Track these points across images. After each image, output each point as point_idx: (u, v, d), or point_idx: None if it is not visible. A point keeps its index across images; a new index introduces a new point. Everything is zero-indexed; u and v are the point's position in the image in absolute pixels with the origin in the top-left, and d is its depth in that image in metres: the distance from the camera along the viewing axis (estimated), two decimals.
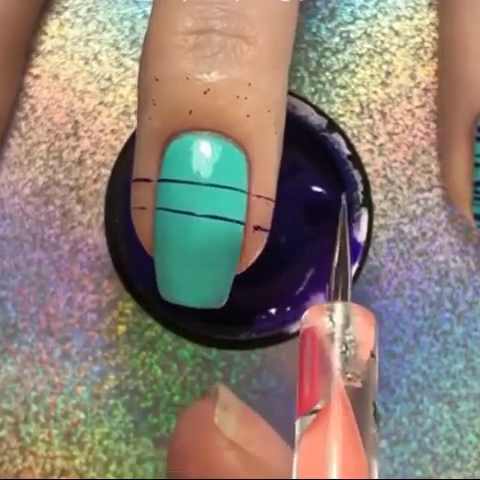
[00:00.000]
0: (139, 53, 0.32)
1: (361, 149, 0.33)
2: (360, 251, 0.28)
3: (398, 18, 0.33)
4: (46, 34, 0.33)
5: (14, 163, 0.33)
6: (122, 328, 0.33)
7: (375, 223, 0.32)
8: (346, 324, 0.21)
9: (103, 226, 0.29)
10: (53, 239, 0.33)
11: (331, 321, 0.22)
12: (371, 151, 0.33)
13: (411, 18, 0.33)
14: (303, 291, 0.28)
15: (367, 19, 0.33)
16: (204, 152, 0.23)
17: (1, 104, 0.32)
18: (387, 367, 0.33)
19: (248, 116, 0.23)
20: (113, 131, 0.33)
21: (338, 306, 0.22)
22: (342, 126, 0.31)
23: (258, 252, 0.24)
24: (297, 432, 0.21)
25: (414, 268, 0.33)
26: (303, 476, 0.20)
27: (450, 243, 0.33)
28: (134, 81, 0.33)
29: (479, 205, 0.31)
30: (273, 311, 0.28)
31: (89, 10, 0.33)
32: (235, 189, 0.23)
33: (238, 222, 0.23)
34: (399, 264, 0.33)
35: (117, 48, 0.33)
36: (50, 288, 0.33)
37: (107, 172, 0.32)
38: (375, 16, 0.33)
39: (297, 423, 0.21)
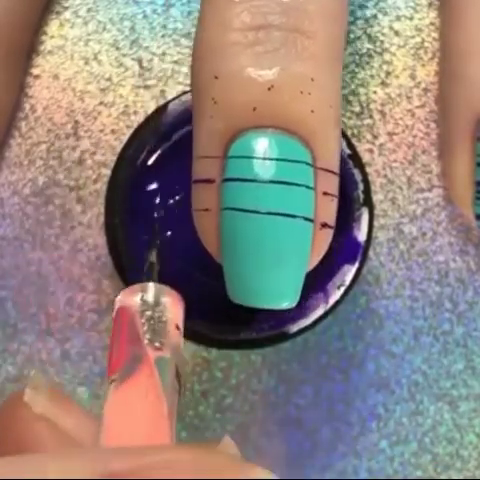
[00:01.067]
0: (139, 53, 0.33)
1: (361, 149, 0.33)
2: (360, 251, 0.28)
3: (398, 18, 0.33)
4: (46, 34, 0.33)
5: (14, 163, 0.33)
6: None
7: (375, 223, 0.32)
8: (156, 303, 0.23)
9: (103, 226, 0.29)
10: (53, 239, 0.33)
11: (142, 299, 0.23)
12: (371, 151, 0.33)
13: (411, 18, 0.33)
14: (303, 291, 0.28)
15: (367, 19, 0.33)
16: (270, 149, 0.22)
17: (3, 104, 0.32)
18: (387, 367, 0.33)
19: (312, 112, 0.22)
20: (113, 131, 0.33)
21: (150, 286, 0.24)
22: (342, 126, 0.31)
23: (325, 250, 0.24)
24: (105, 394, 0.22)
25: (414, 268, 0.33)
26: (107, 433, 0.21)
27: (450, 243, 0.33)
28: (134, 81, 0.33)
29: None
30: (273, 311, 0.28)
31: (89, 10, 0.33)
32: (302, 186, 0.23)
33: (307, 219, 0.23)
34: (399, 264, 0.33)
35: (117, 48, 0.33)
36: (50, 288, 0.33)
37: (107, 172, 0.32)
38: (375, 16, 0.33)
39: (106, 386, 0.23)
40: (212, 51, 0.23)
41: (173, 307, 0.24)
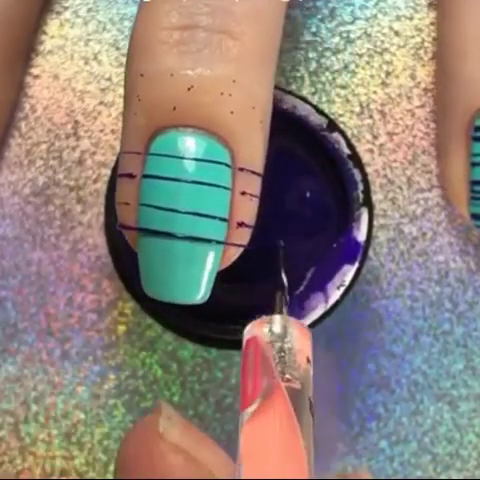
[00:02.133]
0: None
1: (361, 149, 0.33)
2: (360, 251, 0.28)
3: (398, 18, 0.33)
4: (46, 34, 0.33)
5: (14, 163, 0.33)
6: (122, 328, 0.33)
7: (375, 223, 0.32)
8: (284, 334, 0.23)
9: (103, 226, 0.29)
10: (53, 239, 0.33)
11: (270, 331, 0.23)
12: (371, 151, 0.33)
13: (411, 18, 0.33)
14: (303, 290, 0.28)
15: (367, 19, 0.33)
16: (188, 149, 0.23)
17: (1, 104, 0.32)
18: (387, 367, 0.33)
19: (232, 113, 0.23)
20: (113, 131, 0.33)
21: (276, 318, 0.24)
22: (342, 126, 0.31)
23: (241, 248, 0.24)
24: (240, 426, 0.22)
25: (414, 268, 0.33)
26: (246, 464, 0.21)
27: (450, 243, 0.33)
28: None
29: (476, 205, 0.31)
30: (273, 311, 0.28)
31: (89, 10, 0.33)
32: (219, 186, 0.23)
33: (221, 219, 0.23)
34: (399, 264, 0.33)
35: (117, 48, 0.33)
36: (50, 288, 0.33)
37: (107, 172, 0.32)
38: (375, 16, 0.33)
39: (240, 418, 0.22)
40: (140, 49, 0.23)
41: (301, 338, 0.24)
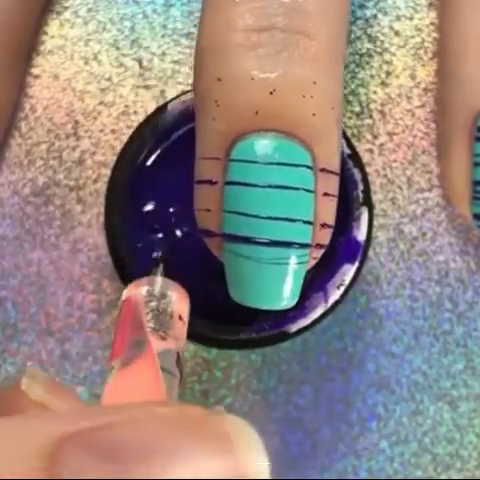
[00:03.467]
0: (139, 53, 0.33)
1: (361, 149, 0.33)
2: (360, 250, 0.28)
3: (398, 18, 0.33)
4: (46, 34, 0.33)
5: (14, 163, 0.33)
6: None
7: (375, 223, 0.32)
8: (162, 295, 0.24)
9: (103, 226, 0.29)
10: (53, 239, 0.33)
11: (147, 291, 0.24)
12: (371, 151, 0.33)
13: (411, 18, 0.33)
14: (303, 290, 0.28)
15: (367, 19, 0.33)
16: (271, 154, 0.22)
17: (3, 104, 0.32)
18: (387, 367, 0.33)
19: (314, 115, 0.23)
20: (113, 131, 0.33)
21: (157, 280, 0.24)
22: (342, 126, 0.31)
23: (323, 249, 0.24)
24: (106, 379, 0.23)
25: (414, 268, 0.33)
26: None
27: (450, 243, 0.33)
28: (134, 81, 0.33)
29: (478, 205, 0.31)
30: (273, 310, 0.28)
31: (89, 10, 0.33)
32: (302, 189, 0.23)
33: (306, 222, 0.23)
34: (399, 264, 0.33)
35: (117, 48, 0.33)
36: (50, 288, 0.33)
37: (107, 172, 0.32)
38: (375, 16, 0.33)
39: (107, 372, 0.23)
40: (214, 52, 0.23)
41: (178, 300, 0.24)
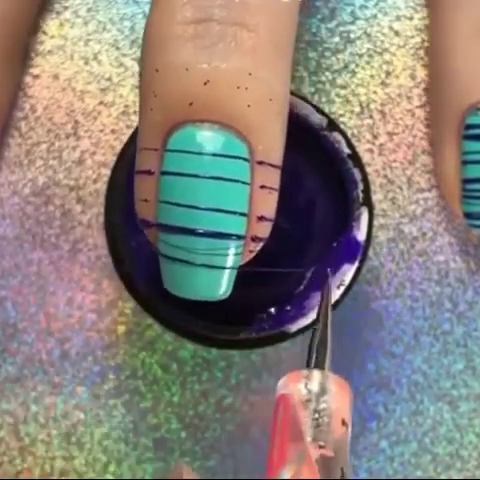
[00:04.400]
0: (139, 53, 0.33)
1: (361, 149, 0.33)
2: (360, 250, 0.28)
3: (398, 18, 0.33)
4: (46, 34, 0.33)
5: (14, 163, 0.33)
6: (122, 328, 0.33)
7: (375, 223, 0.32)
8: (321, 392, 0.22)
9: (103, 226, 0.29)
10: (53, 239, 0.33)
11: (306, 388, 0.22)
12: (371, 151, 0.33)
13: (411, 18, 0.33)
14: (303, 290, 0.28)
15: (367, 19, 0.33)
16: (205, 144, 0.23)
17: (4, 97, 0.32)
18: (387, 367, 0.33)
19: (249, 106, 0.23)
20: (113, 131, 0.33)
21: (315, 374, 0.22)
22: (342, 126, 0.31)
23: (262, 242, 0.24)
24: None
25: (414, 268, 0.33)
26: None
27: (450, 243, 0.33)
28: (134, 81, 0.33)
29: (468, 203, 0.31)
30: (273, 310, 0.28)
31: (89, 10, 0.33)
32: (238, 181, 0.23)
33: (241, 214, 0.23)
34: (399, 264, 0.33)
35: (117, 48, 0.33)
36: (50, 288, 0.33)
37: (107, 172, 0.32)
38: (375, 16, 0.33)
39: None
40: (155, 44, 0.23)
41: (339, 397, 0.22)
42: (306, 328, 0.28)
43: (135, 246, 0.28)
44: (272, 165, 0.23)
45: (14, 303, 0.33)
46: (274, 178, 0.24)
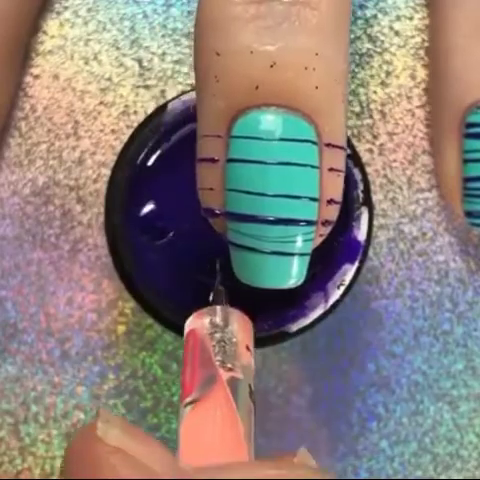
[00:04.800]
0: (139, 53, 0.33)
1: (361, 149, 0.33)
2: (360, 250, 0.28)
3: (398, 18, 0.33)
4: (46, 34, 0.33)
5: (14, 163, 0.33)
6: (122, 328, 0.33)
7: (375, 223, 0.32)
8: (225, 324, 0.24)
9: (103, 226, 0.29)
10: (53, 239, 0.33)
11: (211, 322, 0.24)
12: (371, 151, 0.33)
13: (411, 18, 0.33)
14: (303, 290, 0.28)
15: (367, 19, 0.33)
16: (273, 129, 0.22)
17: (4, 97, 0.32)
18: (387, 367, 0.33)
19: (317, 88, 0.22)
20: (113, 131, 0.33)
21: (217, 309, 0.24)
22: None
23: (331, 226, 0.24)
24: (180, 417, 0.22)
25: (414, 268, 0.33)
26: (185, 455, 0.21)
27: (450, 243, 0.33)
28: (134, 81, 0.33)
29: (469, 202, 0.31)
30: (273, 310, 0.28)
31: (89, 10, 0.33)
32: (307, 165, 0.22)
33: (312, 199, 0.22)
34: (399, 264, 0.33)
35: (117, 48, 0.33)
36: (50, 288, 0.33)
37: (107, 172, 0.32)
38: (375, 16, 0.33)
39: (180, 411, 0.22)
40: (213, 27, 0.22)
41: (242, 328, 0.24)
42: (306, 328, 0.28)
43: (135, 246, 0.28)
44: (339, 147, 0.23)
45: (14, 303, 0.33)
46: (341, 160, 0.23)
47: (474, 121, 0.30)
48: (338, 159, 0.23)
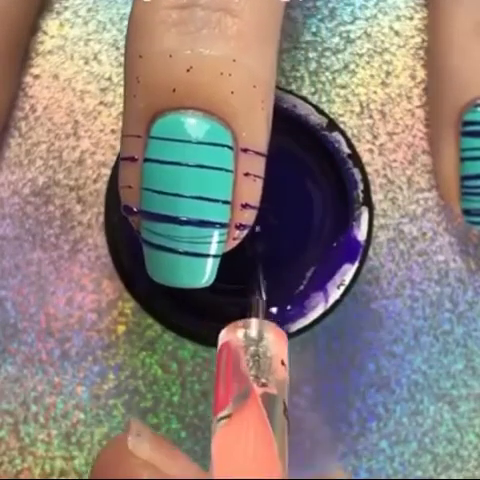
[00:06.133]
0: None
1: (361, 149, 0.33)
2: (360, 250, 0.28)
3: (398, 18, 0.33)
4: (46, 34, 0.33)
5: (14, 163, 0.33)
6: (122, 328, 0.33)
7: (375, 223, 0.32)
8: (259, 338, 0.23)
9: (103, 226, 0.29)
10: (53, 239, 0.33)
11: (245, 335, 0.23)
12: (371, 151, 0.33)
13: (411, 18, 0.33)
14: (303, 290, 0.28)
15: (367, 19, 0.33)
16: (189, 132, 0.22)
17: (4, 96, 0.32)
18: (387, 367, 0.33)
19: (233, 93, 0.22)
20: (113, 131, 0.33)
21: (252, 322, 0.24)
22: (342, 126, 0.31)
23: (246, 230, 0.24)
24: (213, 432, 0.22)
25: (414, 268, 0.33)
26: (219, 472, 0.21)
27: (450, 243, 0.33)
28: None
29: (467, 200, 0.31)
30: (273, 310, 0.28)
31: (89, 10, 0.33)
32: (221, 169, 0.23)
33: (225, 202, 0.23)
34: (399, 264, 0.33)
35: (117, 48, 0.33)
36: (50, 288, 0.33)
37: (107, 172, 0.32)
38: (375, 16, 0.33)
39: (212, 425, 0.22)
40: (139, 30, 0.23)
41: (277, 342, 0.24)
42: (306, 328, 0.28)
43: (135, 246, 0.28)
44: (257, 152, 0.23)
45: (14, 303, 0.33)
46: (259, 165, 0.23)
47: (472, 119, 0.30)
48: (255, 164, 0.23)
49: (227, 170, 0.23)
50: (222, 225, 0.23)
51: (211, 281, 0.24)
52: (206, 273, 0.24)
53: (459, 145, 0.31)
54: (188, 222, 0.23)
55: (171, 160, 0.23)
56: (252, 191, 0.24)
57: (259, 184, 0.24)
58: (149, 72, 0.22)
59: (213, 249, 0.23)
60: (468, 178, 0.31)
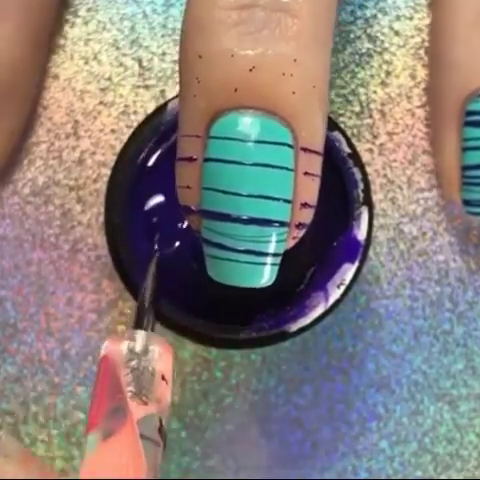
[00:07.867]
0: (139, 53, 0.33)
1: (361, 149, 0.33)
2: (360, 250, 0.28)
3: (398, 18, 0.33)
4: None
5: (14, 163, 0.33)
6: (122, 328, 0.33)
7: (375, 223, 0.32)
8: (144, 351, 0.23)
9: (103, 226, 0.29)
10: (53, 239, 0.33)
11: (128, 348, 0.23)
12: (371, 151, 0.33)
13: (411, 18, 0.33)
14: (303, 290, 0.28)
15: (367, 19, 0.33)
16: (250, 131, 0.23)
17: (32, 83, 0.32)
18: (387, 367, 0.33)
19: (294, 93, 0.23)
20: (113, 131, 0.33)
21: (137, 334, 0.23)
22: (342, 126, 0.31)
23: (305, 229, 0.24)
24: (86, 450, 0.22)
25: (414, 268, 0.33)
26: None
27: (450, 243, 0.33)
28: (134, 81, 0.33)
29: (467, 190, 0.31)
30: (273, 310, 0.28)
31: (89, 10, 0.33)
32: (282, 168, 0.23)
33: (285, 201, 0.23)
34: (399, 264, 0.33)
35: (117, 48, 0.33)
36: (50, 288, 0.33)
37: (107, 172, 0.32)
38: (375, 16, 0.33)
39: (87, 441, 0.22)
40: (197, 30, 0.23)
41: (161, 357, 0.23)
42: (306, 328, 0.28)
43: (135, 246, 0.28)
44: (315, 152, 0.23)
45: (14, 303, 0.33)
46: (317, 165, 0.24)
47: (474, 109, 0.30)
48: (314, 164, 0.24)
49: (288, 169, 0.23)
50: (283, 224, 0.23)
51: (271, 281, 0.24)
52: (266, 272, 0.24)
53: (461, 135, 0.31)
54: (250, 221, 0.23)
55: (233, 159, 0.23)
56: (311, 190, 0.24)
57: (317, 183, 0.24)
58: (210, 72, 0.23)
59: (273, 248, 0.23)
60: (469, 168, 0.31)
